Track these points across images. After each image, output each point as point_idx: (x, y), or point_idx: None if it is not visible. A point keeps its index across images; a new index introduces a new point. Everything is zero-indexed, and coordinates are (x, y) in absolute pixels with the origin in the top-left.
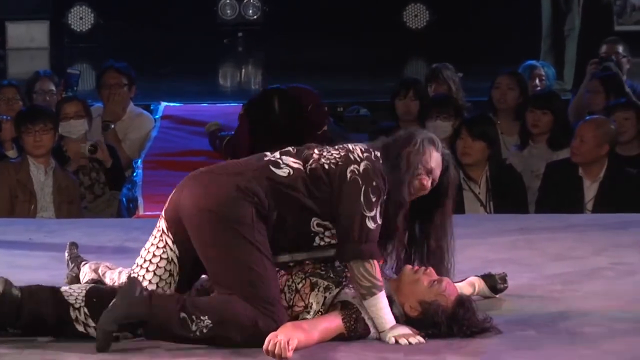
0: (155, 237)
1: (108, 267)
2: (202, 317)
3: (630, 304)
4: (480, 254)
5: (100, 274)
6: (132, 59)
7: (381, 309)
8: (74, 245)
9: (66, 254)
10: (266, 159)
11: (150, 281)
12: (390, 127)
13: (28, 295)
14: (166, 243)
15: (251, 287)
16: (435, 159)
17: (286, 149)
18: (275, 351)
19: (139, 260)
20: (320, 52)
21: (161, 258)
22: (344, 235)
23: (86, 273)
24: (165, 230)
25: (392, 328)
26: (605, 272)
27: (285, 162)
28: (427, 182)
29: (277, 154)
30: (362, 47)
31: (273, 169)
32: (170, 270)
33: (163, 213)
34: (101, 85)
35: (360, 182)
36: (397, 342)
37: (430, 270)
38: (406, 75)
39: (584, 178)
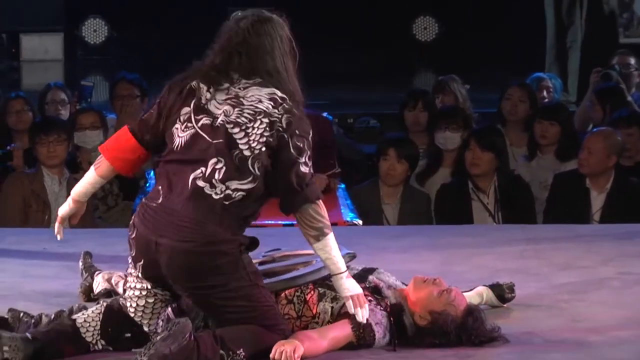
0: (140, 291)
1: (121, 277)
2: (237, 352)
3: (637, 313)
4: (488, 264)
5: (113, 284)
6: (145, 71)
7: (333, 249)
8: (87, 254)
9: (80, 264)
10: (216, 197)
11: (149, 323)
12: (398, 137)
13: (49, 347)
14: (155, 294)
15: (267, 320)
16: None
17: (221, 169)
18: (280, 358)
19: (135, 313)
20: (331, 64)
21: (154, 303)
22: (285, 189)
23: (99, 283)
24: (151, 288)
25: (347, 278)
26: (612, 281)
27: (234, 187)
28: None
29: (221, 186)
30: (372, 59)
31: (228, 202)
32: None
33: (140, 272)
34: (114, 97)
35: (286, 136)
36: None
37: (440, 280)
38: (415, 86)
39: (591, 189)
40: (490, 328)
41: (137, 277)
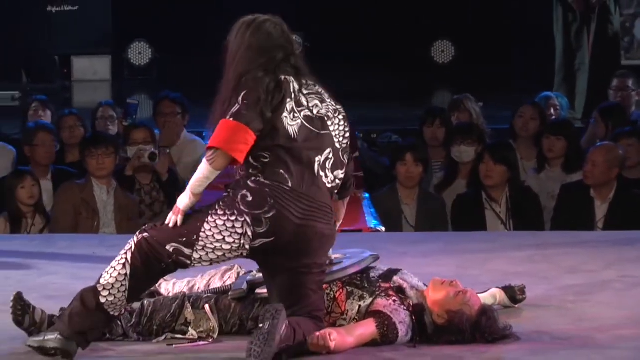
0: (234, 253)
1: (164, 279)
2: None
3: (637, 313)
4: (500, 268)
5: (156, 285)
6: (186, 90)
7: None
8: None
9: None
10: (329, 185)
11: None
12: (413, 143)
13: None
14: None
15: (319, 312)
16: None
17: (331, 159)
18: (319, 342)
19: (202, 261)
20: (356, 84)
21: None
22: (349, 175)
23: None
24: (244, 255)
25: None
26: (614, 284)
27: (340, 177)
28: None
29: (331, 175)
30: (394, 80)
31: (335, 192)
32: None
33: (258, 246)
34: (157, 114)
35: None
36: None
37: (456, 282)
38: (433, 105)
39: (595, 199)
40: (503, 327)
41: (244, 246)
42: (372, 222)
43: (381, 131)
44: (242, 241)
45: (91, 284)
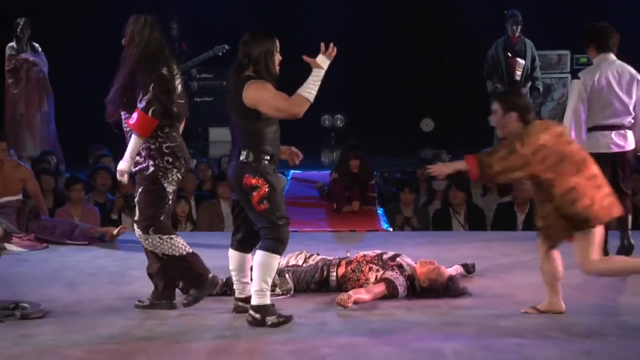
0: None
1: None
2: None
3: (541, 280)
4: (461, 253)
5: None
6: None
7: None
8: None
9: None
10: None
11: None
12: (408, 179)
13: None
14: None
15: None
16: None
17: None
18: (340, 303)
19: None
20: (375, 143)
21: None
22: None
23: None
24: None
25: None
26: (529, 263)
27: None
28: None
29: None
30: (399, 142)
31: None
32: None
33: None
34: None
35: None
36: None
37: (434, 261)
38: (422, 156)
39: (517, 212)
40: (462, 288)
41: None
42: (384, 225)
43: (391, 171)
44: (177, 176)
45: (217, 261)
